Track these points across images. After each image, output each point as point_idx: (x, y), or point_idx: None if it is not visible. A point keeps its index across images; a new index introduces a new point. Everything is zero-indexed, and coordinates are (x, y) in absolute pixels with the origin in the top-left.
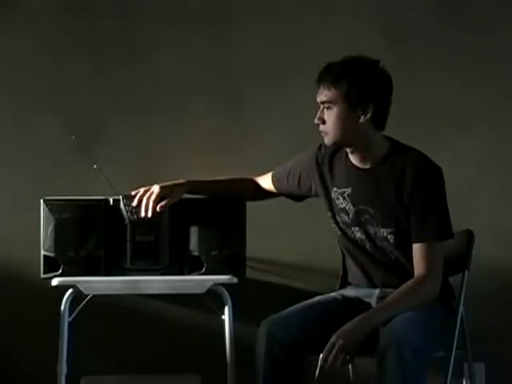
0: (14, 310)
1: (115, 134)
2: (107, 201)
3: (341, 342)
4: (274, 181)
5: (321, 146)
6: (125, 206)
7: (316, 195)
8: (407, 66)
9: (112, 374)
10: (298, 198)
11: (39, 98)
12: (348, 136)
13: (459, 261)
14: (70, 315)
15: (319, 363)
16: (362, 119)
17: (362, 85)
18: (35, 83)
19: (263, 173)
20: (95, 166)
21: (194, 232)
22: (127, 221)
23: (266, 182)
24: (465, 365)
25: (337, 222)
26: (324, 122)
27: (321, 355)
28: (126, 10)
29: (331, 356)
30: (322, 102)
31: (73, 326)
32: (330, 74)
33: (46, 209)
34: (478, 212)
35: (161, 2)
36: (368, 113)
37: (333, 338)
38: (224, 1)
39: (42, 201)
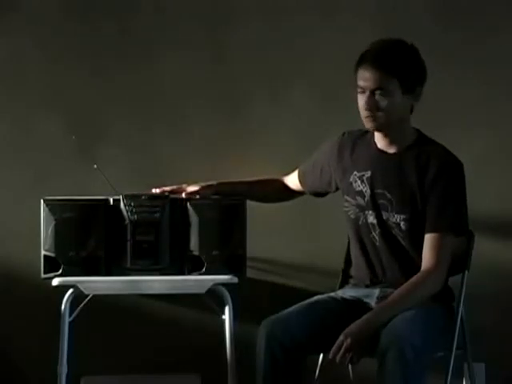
0: (14, 310)
1: (115, 134)
2: (107, 201)
3: (349, 341)
4: (301, 177)
5: (344, 133)
6: (125, 206)
7: (336, 188)
8: None
9: (112, 373)
10: (321, 194)
11: (39, 98)
12: (396, 121)
13: (459, 261)
14: (70, 315)
15: (319, 362)
16: (411, 104)
17: (414, 70)
18: (35, 84)
19: (265, 174)
20: (95, 166)
21: (194, 232)
22: (127, 221)
23: (292, 180)
24: (465, 365)
25: (351, 206)
26: (376, 108)
27: (321, 355)
28: (126, 10)
29: (339, 355)
30: (375, 89)
31: (73, 326)
32: (384, 60)
33: (46, 209)
34: (478, 212)
35: (161, 4)
36: (418, 97)
37: (340, 338)
38: (224, 2)
39: (42, 201)
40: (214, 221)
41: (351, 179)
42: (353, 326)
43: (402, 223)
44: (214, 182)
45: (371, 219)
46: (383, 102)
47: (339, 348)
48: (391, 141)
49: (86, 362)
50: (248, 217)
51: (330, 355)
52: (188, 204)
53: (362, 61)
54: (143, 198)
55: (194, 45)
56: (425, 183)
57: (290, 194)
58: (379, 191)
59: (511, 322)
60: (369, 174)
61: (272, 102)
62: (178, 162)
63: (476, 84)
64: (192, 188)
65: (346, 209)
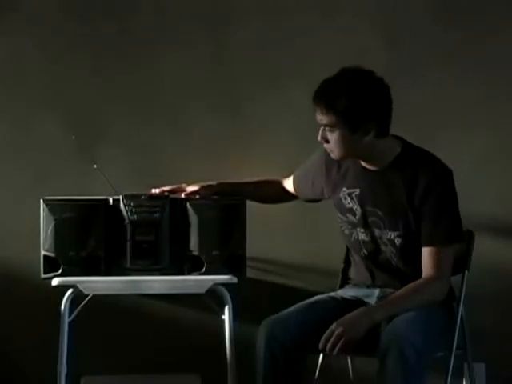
0: (14, 310)
1: (115, 134)
2: (107, 201)
3: (340, 329)
4: (295, 184)
5: None
6: (125, 206)
7: (329, 197)
8: (407, 66)
9: (112, 373)
10: (315, 201)
11: (39, 98)
12: (354, 152)
13: (459, 261)
14: (70, 315)
15: (319, 362)
16: (365, 138)
17: (361, 106)
18: (35, 84)
19: (265, 175)
20: (95, 166)
21: (193, 232)
22: (127, 221)
23: (290, 185)
24: (465, 365)
25: (343, 222)
26: (327, 141)
27: (321, 355)
28: (126, 10)
29: (329, 343)
30: (322, 125)
31: (73, 326)
32: (327, 98)
33: (46, 209)
34: (478, 212)
35: (161, 4)
36: (371, 132)
37: (333, 326)
38: (224, 2)
39: (41, 201)
40: (213, 221)
41: (341, 195)
42: (346, 317)
43: (396, 239)
44: (213, 182)
45: (362, 236)
46: (330, 137)
47: (330, 335)
48: (370, 162)
49: (86, 362)
50: (248, 217)
51: (321, 343)
52: (188, 204)
53: (313, 97)
54: (143, 197)
55: (194, 45)
56: (415, 199)
57: (288, 196)
58: (370, 209)
59: (511, 322)
60: (357, 191)
61: (272, 101)
62: (178, 161)
63: (476, 84)
64: (192, 188)
65: (340, 224)
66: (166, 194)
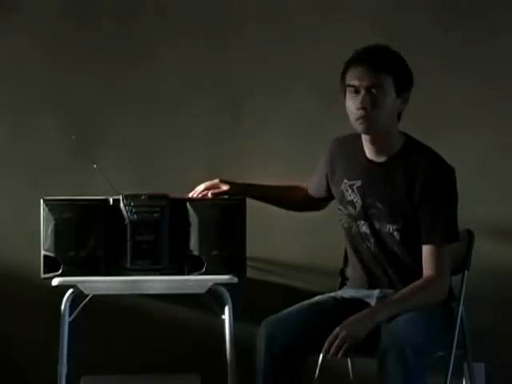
0: (14, 309)
1: (115, 134)
2: (107, 201)
3: (344, 333)
4: (309, 186)
5: (334, 139)
6: (125, 206)
7: (334, 186)
8: None
9: (112, 374)
10: (327, 199)
11: (39, 98)
12: (387, 124)
13: (459, 261)
14: (70, 315)
15: (319, 362)
16: (400, 107)
17: (406, 72)
18: (35, 84)
19: (265, 175)
20: (95, 166)
21: (193, 232)
22: (127, 221)
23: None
24: (465, 365)
25: (343, 215)
26: (373, 106)
27: (321, 355)
28: (126, 10)
29: (333, 346)
30: (371, 86)
31: (73, 326)
32: (380, 56)
33: (46, 209)
34: (478, 212)
35: (161, 4)
36: (406, 102)
37: (336, 329)
38: (224, 2)
39: (42, 201)
40: (213, 221)
41: (342, 187)
42: (349, 320)
43: (395, 233)
44: (243, 182)
45: (364, 229)
46: (380, 99)
47: (334, 339)
48: (379, 149)
49: (86, 362)
50: (248, 217)
51: (325, 347)
52: (188, 204)
53: (354, 60)
54: (143, 197)
55: (194, 45)
56: (414, 192)
57: (312, 204)
58: (370, 201)
59: (511, 322)
60: (359, 183)
61: (272, 102)
62: (178, 162)
63: (476, 84)
64: (223, 187)
65: (339, 217)
66: (205, 193)
